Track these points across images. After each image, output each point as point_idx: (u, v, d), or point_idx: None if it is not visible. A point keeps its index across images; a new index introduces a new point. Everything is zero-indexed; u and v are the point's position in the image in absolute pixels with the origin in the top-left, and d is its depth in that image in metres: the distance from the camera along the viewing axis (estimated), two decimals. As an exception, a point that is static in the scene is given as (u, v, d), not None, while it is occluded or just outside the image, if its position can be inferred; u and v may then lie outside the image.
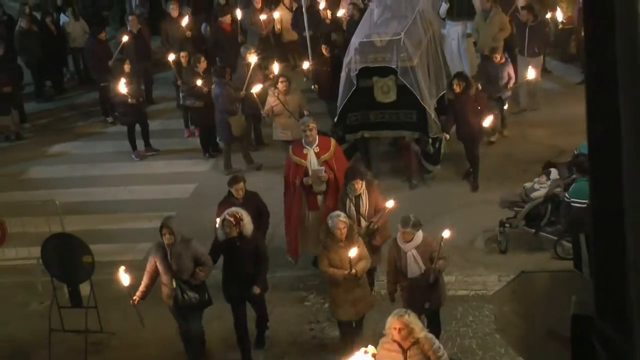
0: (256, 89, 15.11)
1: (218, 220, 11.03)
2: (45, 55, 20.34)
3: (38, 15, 21.35)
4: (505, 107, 16.11)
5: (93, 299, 11.49)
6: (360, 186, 11.21)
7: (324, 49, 16.49)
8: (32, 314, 12.49)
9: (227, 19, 19.03)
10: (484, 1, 17.46)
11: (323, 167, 11.97)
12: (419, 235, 10.15)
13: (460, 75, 14.65)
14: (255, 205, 11.76)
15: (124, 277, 10.47)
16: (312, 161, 12.05)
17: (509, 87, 15.82)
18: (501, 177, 14.48)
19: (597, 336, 2.69)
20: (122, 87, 16.34)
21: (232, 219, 10.60)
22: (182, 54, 17.28)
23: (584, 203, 10.96)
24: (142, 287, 10.76)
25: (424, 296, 10.23)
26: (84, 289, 11.64)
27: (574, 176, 11.86)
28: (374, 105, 14.26)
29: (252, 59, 16.04)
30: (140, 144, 17.41)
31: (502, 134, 16.27)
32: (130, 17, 19.60)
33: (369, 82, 14.13)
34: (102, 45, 19.07)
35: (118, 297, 12.34)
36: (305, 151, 12.09)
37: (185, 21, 19.07)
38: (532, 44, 16.98)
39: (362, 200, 11.31)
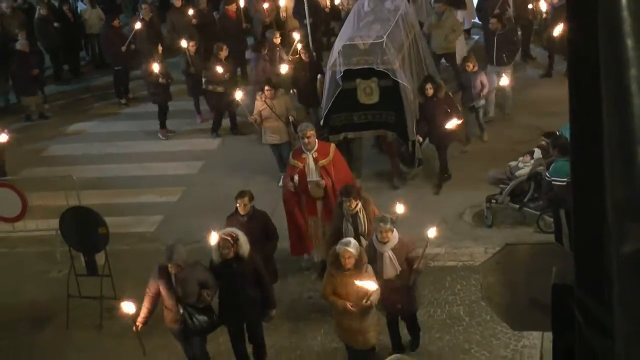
0: (283, 69, 15.26)
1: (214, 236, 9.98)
2: (62, 41, 20.31)
3: (56, 3, 21.30)
4: (482, 114, 15.38)
5: (108, 268, 11.51)
6: (355, 205, 10.19)
7: (302, 54, 15.65)
8: (52, 281, 12.51)
9: (233, 7, 19.01)
10: (437, 4, 16.97)
11: (322, 180, 11.28)
12: (395, 236, 9.42)
13: (430, 79, 13.73)
14: (261, 224, 10.72)
15: (129, 307, 9.59)
16: (310, 166, 11.37)
17: (481, 95, 14.88)
18: (488, 156, 14.44)
19: (576, 303, 2.68)
20: (156, 67, 16.36)
21: (229, 239, 9.47)
22: (190, 42, 17.14)
23: (563, 181, 11.01)
24: (143, 313, 9.72)
25: (399, 297, 9.59)
26: (99, 258, 11.65)
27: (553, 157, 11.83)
28: (357, 107, 13.49)
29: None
30: (155, 123, 17.39)
31: (482, 139, 15.28)
32: (143, 5, 19.55)
33: (352, 84, 13.35)
34: (116, 31, 19.01)
35: (131, 267, 12.45)
36: (304, 155, 11.43)
37: (191, 11, 19.07)
38: (501, 52, 15.92)
39: (359, 218, 10.33)
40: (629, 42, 1.63)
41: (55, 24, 20.06)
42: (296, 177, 11.32)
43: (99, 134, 17.90)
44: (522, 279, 7.63)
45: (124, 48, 18.45)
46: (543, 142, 12.60)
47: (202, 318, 9.60)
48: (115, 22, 19.15)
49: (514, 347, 10.32)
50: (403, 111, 13.30)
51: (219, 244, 9.53)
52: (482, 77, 14.81)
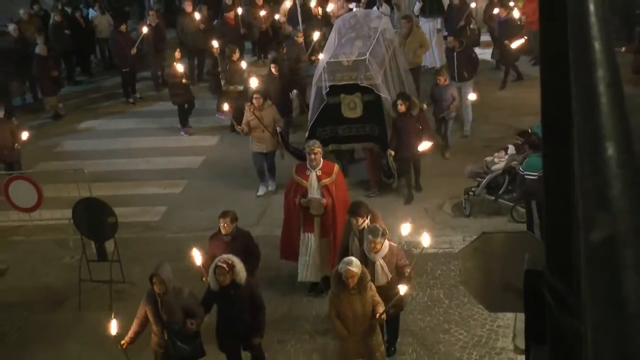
0: (253, 82, 14.79)
1: (197, 255, 9.47)
2: (75, 45, 20.24)
3: (69, 10, 21.23)
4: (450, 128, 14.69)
5: (117, 254, 11.49)
6: (363, 222, 9.46)
7: (273, 69, 15.24)
8: (65, 266, 12.47)
9: (232, 14, 19.02)
10: (404, 23, 16.72)
11: (323, 198, 10.60)
12: (386, 245, 9.03)
13: (403, 96, 12.94)
14: (244, 244, 9.94)
15: (113, 326, 8.85)
16: (312, 184, 10.64)
17: (452, 107, 14.25)
18: (466, 152, 14.46)
19: (547, 288, 2.68)
20: (180, 68, 16.23)
21: (224, 266, 8.81)
22: (215, 45, 16.97)
23: (534, 175, 11.02)
24: (131, 333, 9.06)
25: (388, 302, 8.97)
26: (109, 245, 11.64)
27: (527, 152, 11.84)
28: (342, 120, 13.01)
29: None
30: (159, 121, 17.29)
31: (443, 155, 14.56)
32: (150, 12, 19.54)
33: (336, 99, 12.92)
34: (124, 36, 18.95)
35: (138, 253, 12.43)
36: (307, 172, 10.71)
37: (198, 16, 19.06)
38: (461, 69, 15.35)
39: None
40: (597, 45, 1.62)
41: (67, 31, 19.98)
42: (298, 199, 10.69)
43: (107, 130, 17.84)
44: (497, 264, 7.63)
45: (133, 51, 18.41)
46: (517, 140, 12.59)
47: (184, 346, 9.00)
48: (123, 27, 19.06)
49: (489, 326, 10.34)
50: (385, 125, 12.96)
51: (215, 270, 8.87)
52: (453, 91, 14.31)
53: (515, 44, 16.80)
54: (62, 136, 17.72)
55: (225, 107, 13.89)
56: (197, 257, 9.46)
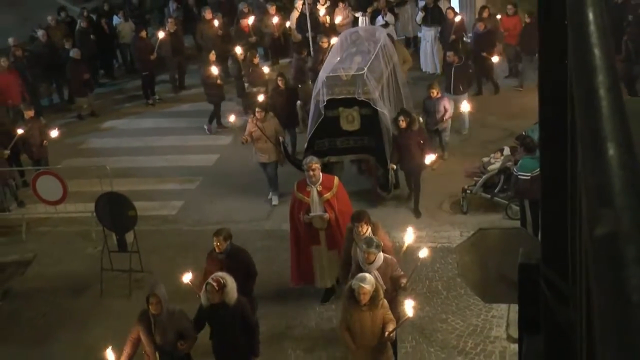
0: (260, 97, 14.56)
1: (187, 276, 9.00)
2: (99, 50, 20.25)
3: (94, 17, 21.24)
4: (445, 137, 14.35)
5: (136, 245, 11.53)
6: (366, 229, 9.04)
7: (279, 82, 14.81)
8: (88, 256, 12.49)
9: (245, 22, 18.97)
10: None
11: (325, 213, 10.14)
12: (380, 256, 8.57)
13: (404, 112, 12.55)
14: (239, 262, 9.28)
15: (110, 356, 8.44)
16: (314, 199, 10.18)
17: (444, 119, 13.92)
18: (463, 153, 14.40)
19: (543, 279, 2.68)
20: (215, 70, 16.16)
21: (215, 284, 8.18)
22: (239, 50, 16.88)
23: (527, 176, 11.07)
24: (123, 357, 8.51)
25: None
26: (129, 237, 11.65)
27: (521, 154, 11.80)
28: (340, 133, 12.48)
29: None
30: (176, 121, 17.27)
31: (442, 157, 13.97)
32: (169, 20, 19.52)
33: (335, 112, 12.41)
34: (144, 42, 18.93)
35: (156, 245, 12.45)
36: (308, 189, 10.21)
37: (216, 23, 19.06)
38: (457, 82, 15.04)
39: None
40: (597, 52, 1.62)
41: (92, 37, 19.99)
42: (302, 216, 10.25)
43: (128, 130, 17.84)
44: (492, 258, 7.63)
45: (153, 56, 18.41)
46: (515, 143, 12.55)
47: None
48: (143, 34, 19.00)
49: (484, 316, 10.33)
50: (382, 138, 12.49)
51: (206, 287, 8.31)
52: (446, 103, 13.88)
53: (495, 59, 16.49)
54: (87, 134, 17.72)
55: (232, 118, 13.61)
56: (186, 277, 9.05)
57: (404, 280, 8.69)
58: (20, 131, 14.12)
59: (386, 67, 13.29)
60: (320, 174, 10.28)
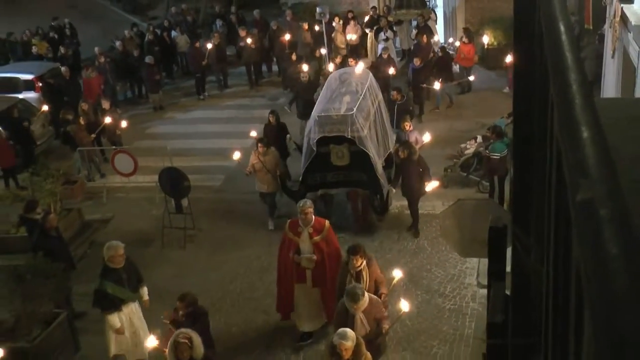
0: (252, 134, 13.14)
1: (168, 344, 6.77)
2: (162, 56, 20.20)
3: (158, 31, 21.17)
4: None
5: (189, 208, 11.57)
6: (361, 262, 7.77)
7: (270, 118, 13.09)
8: (152, 217, 12.51)
9: (284, 38, 18.73)
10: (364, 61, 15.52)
11: (313, 255, 8.61)
12: (366, 298, 7.09)
13: (404, 144, 11.17)
14: (200, 327, 7.32)
15: (151, 341, 7.42)
16: (304, 241, 8.65)
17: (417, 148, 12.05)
18: (445, 140, 14.26)
19: (513, 236, 2.65)
20: (305, 67, 15.27)
21: (186, 342, 6.53)
22: (293, 56, 16.81)
23: (497, 156, 11.18)
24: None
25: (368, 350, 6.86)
26: (184, 202, 11.68)
27: (491, 140, 11.67)
28: (331, 168, 10.90)
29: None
30: (221, 112, 17.19)
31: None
32: (215, 34, 19.45)
33: (326, 148, 10.82)
34: (197, 50, 18.92)
35: (205, 208, 12.45)
36: (300, 229, 8.67)
37: (249, 40, 18.88)
38: (399, 118, 12.84)
39: (362, 276, 7.82)
40: (569, 55, 1.56)
41: (156, 48, 19.94)
42: (291, 255, 8.72)
43: (184, 119, 17.81)
44: (468, 222, 7.62)
45: (204, 62, 18.47)
46: (487, 133, 12.45)
47: None
48: (196, 44, 19.10)
49: (460, 267, 10.31)
50: (374, 171, 10.85)
51: (175, 346, 6.55)
52: (417, 135, 12.22)
53: (437, 85, 15.13)
54: (152, 122, 17.72)
55: (236, 155, 12.01)
56: (151, 341, 7.41)
57: (386, 326, 7.30)
58: (108, 119, 14.29)
59: (372, 105, 11.65)
60: (313, 217, 8.75)
